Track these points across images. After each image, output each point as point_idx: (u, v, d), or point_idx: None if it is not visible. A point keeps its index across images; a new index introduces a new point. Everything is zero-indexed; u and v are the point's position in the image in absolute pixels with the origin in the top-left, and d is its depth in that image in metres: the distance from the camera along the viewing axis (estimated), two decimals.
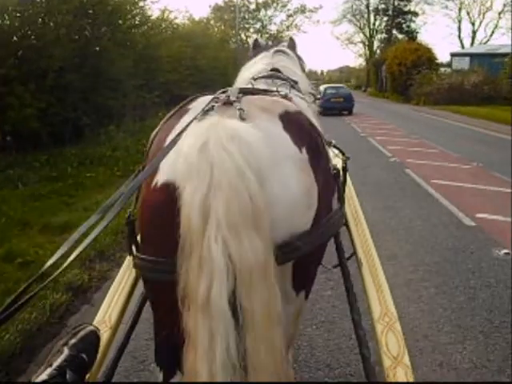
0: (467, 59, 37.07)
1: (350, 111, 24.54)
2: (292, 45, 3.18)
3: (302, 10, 43.61)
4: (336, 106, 24.36)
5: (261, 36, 43.24)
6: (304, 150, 1.41)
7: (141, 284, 1.68)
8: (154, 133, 1.63)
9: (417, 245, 5.35)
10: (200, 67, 21.59)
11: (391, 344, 1.55)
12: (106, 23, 11.75)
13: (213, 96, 1.59)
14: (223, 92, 1.62)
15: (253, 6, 42.36)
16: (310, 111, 2.08)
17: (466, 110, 25.98)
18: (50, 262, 1.27)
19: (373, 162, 10.62)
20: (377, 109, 31.00)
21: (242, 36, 39.75)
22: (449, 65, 41.91)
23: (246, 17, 42.05)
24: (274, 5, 42.61)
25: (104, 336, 1.61)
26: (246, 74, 2.69)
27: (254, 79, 2.40)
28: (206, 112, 1.42)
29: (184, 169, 1.19)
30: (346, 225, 2.14)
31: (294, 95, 2.07)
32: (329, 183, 1.61)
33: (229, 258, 1.10)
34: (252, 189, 1.15)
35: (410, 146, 13.24)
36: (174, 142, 1.32)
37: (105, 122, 12.45)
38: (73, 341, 1.39)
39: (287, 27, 44.29)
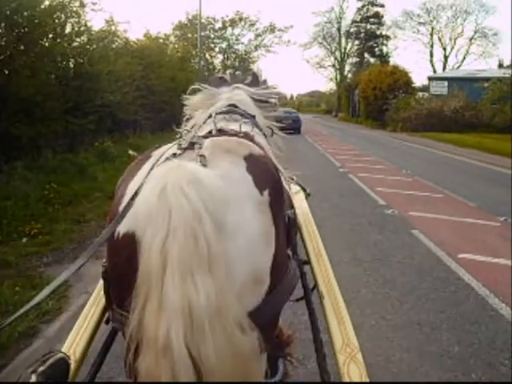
0: (445, 83, 35.35)
1: (298, 130, 30.20)
2: (255, 81, 2.97)
3: (272, 29, 41.17)
4: (287, 127, 27.76)
5: (227, 57, 40.90)
6: (265, 193, 1.38)
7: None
8: (120, 180, 1.57)
9: None
10: (153, 88, 18.83)
11: (353, 374, 1.53)
12: (6, 26, 8.69)
13: (175, 143, 1.56)
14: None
15: (219, 25, 39.93)
16: (269, 149, 2.14)
17: (451, 137, 23.92)
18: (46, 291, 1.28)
19: (363, 217, 7.79)
20: (352, 136, 29.10)
21: (207, 56, 37.08)
22: (423, 89, 40.49)
23: (212, 36, 39.57)
24: (242, 23, 40.19)
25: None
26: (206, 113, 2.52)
27: (211, 115, 2.24)
28: (167, 159, 1.40)
29: (144, 215, 1.18)
30: (308, 261, 2.06)
31: (256, 133, 2.07)
32: (286, 227, 1.59)
33: (185, 303, 1.08)
34: (208, 233, 1.14)
35: (406, 189, 10.43)
36: (136, 194, 1.28)
37: (12, 156, 9.41)
38: (41, 368, 1.30)
39: (255, 47, 41.74)
